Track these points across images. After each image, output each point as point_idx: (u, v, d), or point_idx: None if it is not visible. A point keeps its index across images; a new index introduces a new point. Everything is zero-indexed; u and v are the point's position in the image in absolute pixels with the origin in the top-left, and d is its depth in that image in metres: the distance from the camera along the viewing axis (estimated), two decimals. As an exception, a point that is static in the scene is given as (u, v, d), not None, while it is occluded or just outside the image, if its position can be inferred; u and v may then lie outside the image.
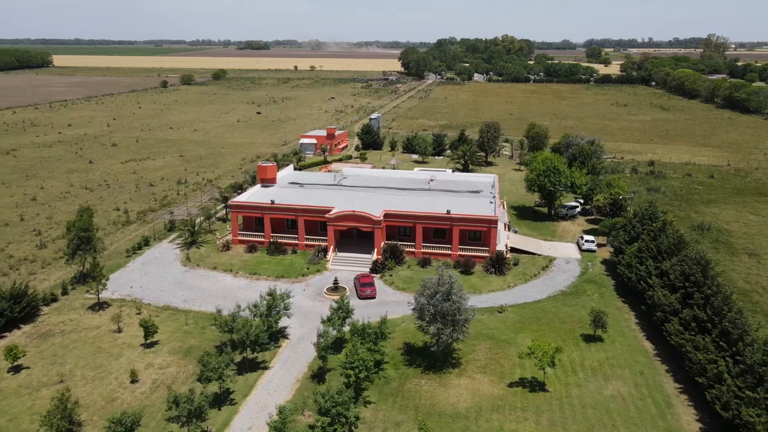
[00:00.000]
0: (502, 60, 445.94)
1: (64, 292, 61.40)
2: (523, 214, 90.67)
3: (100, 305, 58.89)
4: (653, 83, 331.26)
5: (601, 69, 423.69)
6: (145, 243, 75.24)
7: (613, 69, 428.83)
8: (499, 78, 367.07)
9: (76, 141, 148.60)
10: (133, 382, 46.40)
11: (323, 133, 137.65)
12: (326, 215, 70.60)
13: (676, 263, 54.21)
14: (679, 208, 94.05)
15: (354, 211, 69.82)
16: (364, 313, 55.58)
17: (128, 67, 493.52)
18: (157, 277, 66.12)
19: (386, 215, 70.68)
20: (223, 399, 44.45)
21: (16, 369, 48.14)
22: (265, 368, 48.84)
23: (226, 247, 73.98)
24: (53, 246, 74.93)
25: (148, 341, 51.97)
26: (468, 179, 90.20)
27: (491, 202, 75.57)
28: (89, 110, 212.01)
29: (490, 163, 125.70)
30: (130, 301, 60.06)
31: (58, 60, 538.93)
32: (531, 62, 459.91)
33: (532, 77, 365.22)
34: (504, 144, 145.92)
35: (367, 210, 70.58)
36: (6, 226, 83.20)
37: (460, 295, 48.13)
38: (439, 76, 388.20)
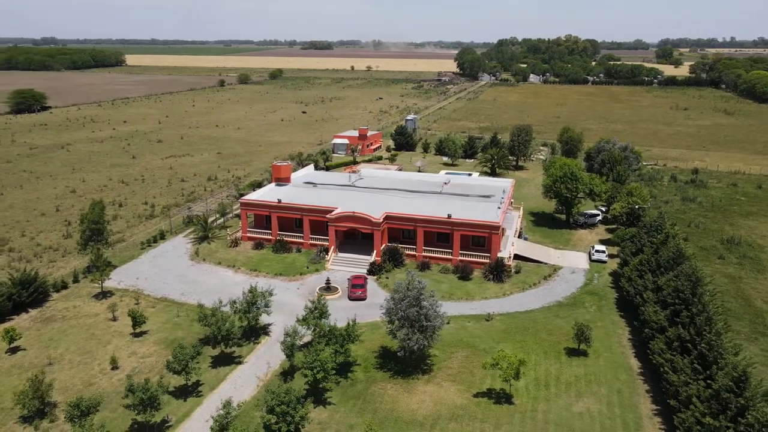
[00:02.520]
0: (563, 61, 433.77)
1: (75, 280, 65.15)
2: (540, 220, 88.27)
3: (103, 294, 62.13)
4: (723, 86, 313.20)
5: (669, 70, 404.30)
6: (161, 236, 78.54)
7: (683, 70, 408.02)
8: (556, 79, 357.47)
9: (126, 137, 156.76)
10: (113, 369, 48.78)
11: (357, 133, 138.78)
12: (327, 216, 71.36)
13: (671, 278, 51.40)
14: (713, 219, 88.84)
15: (354, 213, 70.20)
16: (350, 314, 55.79)
17: (194, 66, 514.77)
18: (163, 269, 68.95)
19: (387, 217, 70.65)
20: (191, 390, 46.02)
21: (14, 350, 51.66)
22: (240, 363, 50.10)
23: (235, 243, 76.19)
24: (77, 236, 79.39)
25: (137, 331, 54.44)
26: (484, 183, 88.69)
27: (498, 208, 74.02)
28: (146, 107, 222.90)
29: (520, 168, 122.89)
30: (132, 292, 62.98)
31: (131, 59, 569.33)
32: (594, 63, 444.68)
33: (591, 79, 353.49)
34: (542, 148, 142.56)
35: (372, 211, 70.77)
36: (42, 216, 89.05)
37: (431, 301, 47.60)
38: (493, 77, 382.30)
